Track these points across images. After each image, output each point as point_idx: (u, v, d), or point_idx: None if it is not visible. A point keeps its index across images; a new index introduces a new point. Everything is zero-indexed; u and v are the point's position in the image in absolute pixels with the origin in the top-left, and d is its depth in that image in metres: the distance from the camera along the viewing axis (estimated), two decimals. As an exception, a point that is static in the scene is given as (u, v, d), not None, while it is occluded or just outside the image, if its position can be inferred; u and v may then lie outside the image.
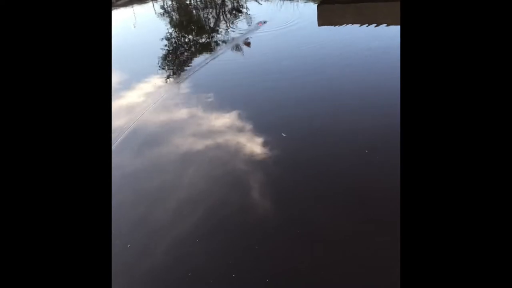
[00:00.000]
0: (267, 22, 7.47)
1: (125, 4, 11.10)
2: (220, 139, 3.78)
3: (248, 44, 6.46)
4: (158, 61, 6.25)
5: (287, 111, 4.19)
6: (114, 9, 10.70)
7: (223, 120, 4.13)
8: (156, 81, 5.44)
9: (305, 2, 9.11)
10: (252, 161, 3.39)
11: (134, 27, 8.86)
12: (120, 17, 9.83)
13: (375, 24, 6.69)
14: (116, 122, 4.36)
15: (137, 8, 10.55)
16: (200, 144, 3.76)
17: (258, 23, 7.48)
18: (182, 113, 4.43)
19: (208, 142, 3.77)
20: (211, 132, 3.92)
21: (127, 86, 5.32)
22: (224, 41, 6.87)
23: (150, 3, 10.88)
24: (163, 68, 6.01)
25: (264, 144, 3.60)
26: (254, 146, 3.60)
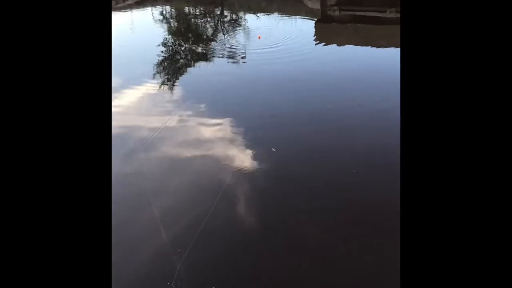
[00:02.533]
0: (265, 37, 7.51)
1: (124, 8, 11.11)
2: (197, 150, 3.76)
3: (259, 37, 7.34)
4: (153, 67, 6.22)
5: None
6: (112, 12, 10.70)
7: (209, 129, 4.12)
8: (148, 88, 5.42)
9: (303, 18, 9.20)
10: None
11: (131, 31, 8.84)
12: (118, 21, 9.83)
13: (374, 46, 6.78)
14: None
15: (136, 12, 10.56)
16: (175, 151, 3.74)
17: (258, 36, 7.53)
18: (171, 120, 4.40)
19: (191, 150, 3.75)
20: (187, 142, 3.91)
21: (118, 90, 5.29)
22: (220, 54, 6.88)
23: (149, 9, 10.90)
24: (157, 74, 5.98)
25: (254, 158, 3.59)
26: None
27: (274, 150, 3.69)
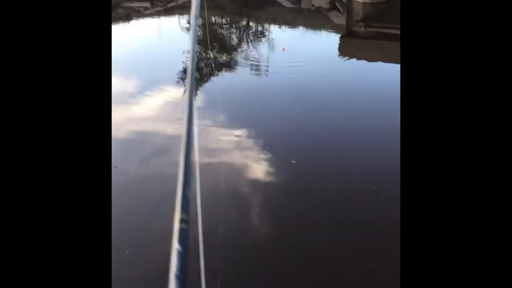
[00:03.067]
0: (290, 50, 7.54)
1: (151, 14, 11.31)
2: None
3: (283, 49, 7.51)
4: (176, 74, 6.30)
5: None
6: (141, 18, 10.91)
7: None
8: (170, 94, 5.48)
9: (328, 32, 9.21)
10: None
11: (158, 37, 8.99)
12: (145, 27, 10.02)
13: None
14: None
15: (163, 19, 10.73)
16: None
17: (282, 48, 7.58)
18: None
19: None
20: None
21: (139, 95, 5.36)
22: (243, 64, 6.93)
23: (176, 16, 11.07)
24: (180, 81, 6.06)
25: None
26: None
27: (294, 162, 3.69)
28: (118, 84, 5.74)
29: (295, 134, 4.26)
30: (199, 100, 5.32)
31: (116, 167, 4.29)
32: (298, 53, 7.29)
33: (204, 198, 1.00)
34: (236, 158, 3.79)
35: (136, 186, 3.47)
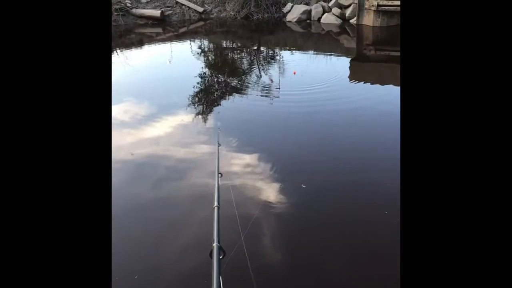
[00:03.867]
0: (300, 74, 7.58)
1: (163, 40, 11.50)
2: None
3: (294, 73, 7.62)
4: (188, 98, 6.36)
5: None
6: (152, 44, 11.09)
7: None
8: (184, 117, 5.52)
9: (338, 56, 9.26)
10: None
11: (170, 62, 9.11)
12: (157, 52, 10.17)
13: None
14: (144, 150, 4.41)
15: (175, 45, 10.90)
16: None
17: (293, 72, 7.64)
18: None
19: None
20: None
21: (153, 118, 5.41)
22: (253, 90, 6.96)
23: (188, 42, 11.24)
24: (192, 105, 6.10)
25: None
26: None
27: (304, 186, 3.65)
28: (132, 108, 5.80)
29: (305, 162, 4.24)
30: (210, 123, 5.35)
31: (132, 154, 4.30)
32: (308, 77, 7.32)
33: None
34: (246, 180, 3.77)
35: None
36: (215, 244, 1.43)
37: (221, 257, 1.39)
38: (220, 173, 2.16)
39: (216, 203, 1.73)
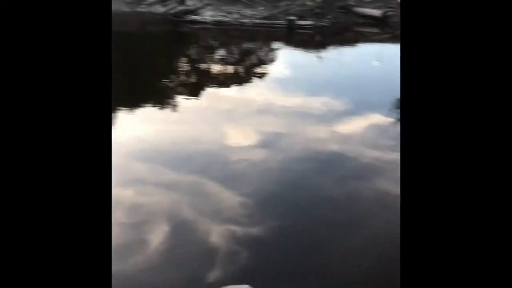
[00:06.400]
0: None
1: (379, 41, 11.42)
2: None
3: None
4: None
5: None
6: (366, 43, 11.11)
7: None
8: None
9: None
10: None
11: (377, 63, 9.05)
12: (368, 51, 10.17)
13: None
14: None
15: (389, 46, 10.71)
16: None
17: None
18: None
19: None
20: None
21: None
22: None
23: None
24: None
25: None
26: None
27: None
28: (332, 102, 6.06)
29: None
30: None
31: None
32: None
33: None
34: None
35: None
36: None
37: None
38: None
39: None
